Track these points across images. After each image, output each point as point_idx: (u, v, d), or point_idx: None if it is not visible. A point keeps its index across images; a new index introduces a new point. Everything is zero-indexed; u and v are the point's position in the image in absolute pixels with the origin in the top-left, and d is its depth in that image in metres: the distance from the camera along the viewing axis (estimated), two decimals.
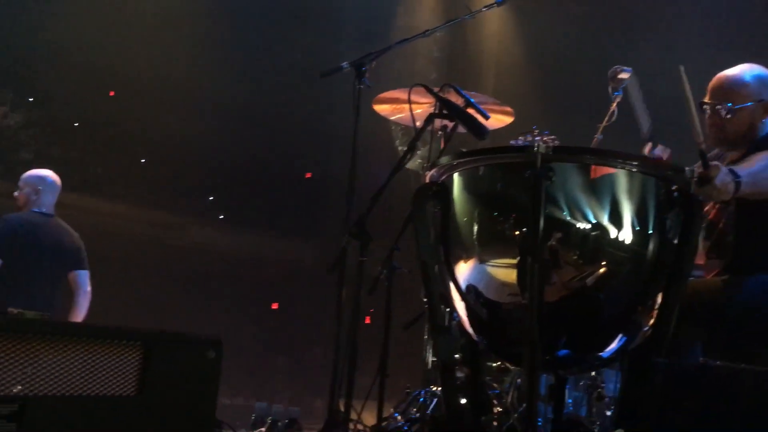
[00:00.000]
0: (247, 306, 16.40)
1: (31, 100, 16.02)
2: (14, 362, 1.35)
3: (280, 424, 2.68)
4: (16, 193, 4.87)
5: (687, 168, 2.31)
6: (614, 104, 3.75)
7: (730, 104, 2.88)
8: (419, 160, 3.00)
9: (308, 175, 18.86)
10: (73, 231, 4.95)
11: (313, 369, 14.81)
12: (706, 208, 2.89)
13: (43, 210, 4.80)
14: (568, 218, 2.27)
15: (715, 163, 2.37)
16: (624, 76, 3.69)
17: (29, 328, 1.34)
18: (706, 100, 2.93)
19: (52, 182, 4.90)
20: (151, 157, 17.39)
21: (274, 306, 17.95)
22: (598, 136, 3.78)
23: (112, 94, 16.76)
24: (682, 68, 2.44)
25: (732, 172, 2.38)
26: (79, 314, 4.83)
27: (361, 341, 2.76)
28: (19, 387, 1.33)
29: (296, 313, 17.21)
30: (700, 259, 3.09)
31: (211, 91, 16.11)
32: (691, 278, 2.56)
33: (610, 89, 3.71)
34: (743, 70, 2.97)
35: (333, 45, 15.99)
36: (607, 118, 3.77)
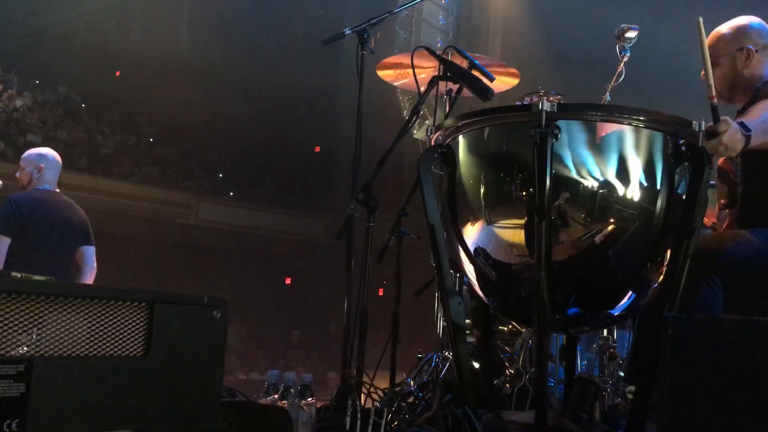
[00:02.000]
0: (260, 282, 16.54)
1: (37, 82, 16.07)
2: (20, 324, 1.35)
3: (293, 390, 2.68)
4: (17, 174, 4.90)
5: (695, 121, 2.28)
6: (621, 63, 3.69)
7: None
8: (428, 129, 2.97)
9: (317, 149, 18.88)
10: (78, 207, 4.97)
11: (327, 342, 14.96)
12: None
13: (47, 187, 4.82)
14: (576, 176, 2.25)
15: (725, 117, 2.33)
16: (631, 34, 3.64)
17: (35, 290, 1.35)
18: None
19: (53, 159, 4.91)
20: (159, 136, 17.45)
21: (288, 281, 18.08)
22: (606, 96, 3.73)
23: (118, 74, 16.78)
24: (700, 20, 2.39)
25: (742, 125, 2.34)
26: None
27: (374, 312, 2.76)
28: (26, 348, 1.34)
29: (310, 287, 17.34)
30: (711, 217, 3.06)
31: (217, 68, 16.10)
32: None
33: (617, 48, 3.66)
34: (726, 23, 2.96)
35: (338, 16, 15.90)
36: (615, 78, 3.71)
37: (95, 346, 1.45)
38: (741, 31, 2.94)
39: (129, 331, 1.50)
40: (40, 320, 1.37)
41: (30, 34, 14.95)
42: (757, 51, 2.91)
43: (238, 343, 15.04)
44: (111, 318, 1.47)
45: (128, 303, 1.48)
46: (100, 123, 16.53)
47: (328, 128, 16.99)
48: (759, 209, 2.78)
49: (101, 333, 1.46)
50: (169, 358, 1.51)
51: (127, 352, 1.49)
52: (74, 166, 14.23)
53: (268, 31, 16.48)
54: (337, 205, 16.15)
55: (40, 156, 4.89)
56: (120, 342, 1.49)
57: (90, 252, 4.90)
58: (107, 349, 1.47)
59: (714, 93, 2.39)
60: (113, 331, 1.48)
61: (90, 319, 1.44)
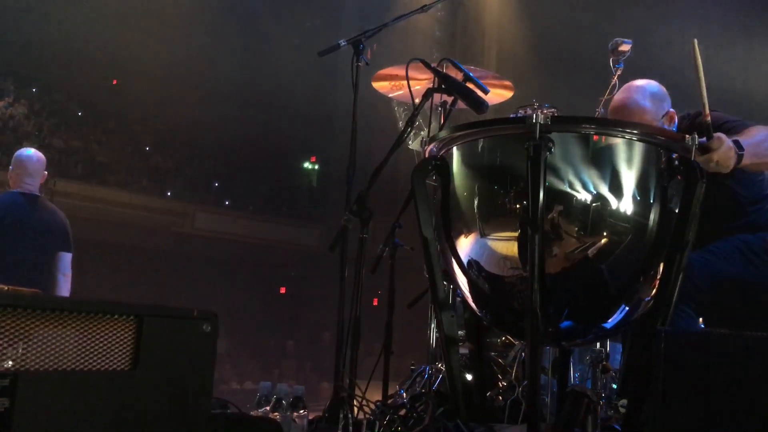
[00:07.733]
0: (254, 291, 16.50)
1: (34, 90, 16.06)
2: (6, 337, 1.34)
3: (284, 402, 2.68)
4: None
5: (688, 136, 2.29)
6: (615, 77, 3.71)
7: None
8: (422, 140, 2.98)
9: (313, 158, 18.91)
10: (59, 211, 4.85)
11: (321, 353, 14.92)
12: None
13: (24, 190, 4.71)
14: (569, 189, 2.24)
15: (719, 134, 2.33)
16: (625, 48, 3.65)
17: (21, 303, 1.34)
18: None
19: (30, 161, 4.76)
20: (155, 145, 17.43)
21: (282, 290, 18.04)
22: (600, 109, 3.74)
23: (114, 82, 16.78)
24: (695, 42, 2.40)
25: (736, 143, 2.35)
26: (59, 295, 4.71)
27: (369, 323, 2.75)
28: (11, 362, 1.32)
29: (304, 297, 17.30)
30: None
31: (213, 77, 16.12)
32: None
33: (611, 62, 3.67)
34: (636, 95, 2.86)
35: (335, 27, 15.95)
36: (608, 91, 3.73)
37: (82, 360, 1.43)
38: (658, 98, 2.87)
39: (117, 345, 1.49)
40: (27, 334, 1.36)
41: (27, 42, 14.95)
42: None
43: (232, 352, 15.00)
44: (99, 331, 1.45)
45: (116, 316, 1.47)
46: (97, 131, 16.52)
47: (323, 138, 17.02)
48: (716, 227, 2.77)
49: (89, 347, 1.45)
50: (157, 371, 1.49)
51: (114, 366, 1.48)
52: (70, 174, 14.21)
53: (265, 42, 16.52)
54: (332, 214, 16.16)
55: (18, 159, 4.74)
56: (108, 356, 1.47)
57: (65, 258, 4.73)
58: (94, 363, 1.45)
59: (708, 111, 2.39)
60: (101, 344, 1.46)
61: (77, 333, 1.42)
